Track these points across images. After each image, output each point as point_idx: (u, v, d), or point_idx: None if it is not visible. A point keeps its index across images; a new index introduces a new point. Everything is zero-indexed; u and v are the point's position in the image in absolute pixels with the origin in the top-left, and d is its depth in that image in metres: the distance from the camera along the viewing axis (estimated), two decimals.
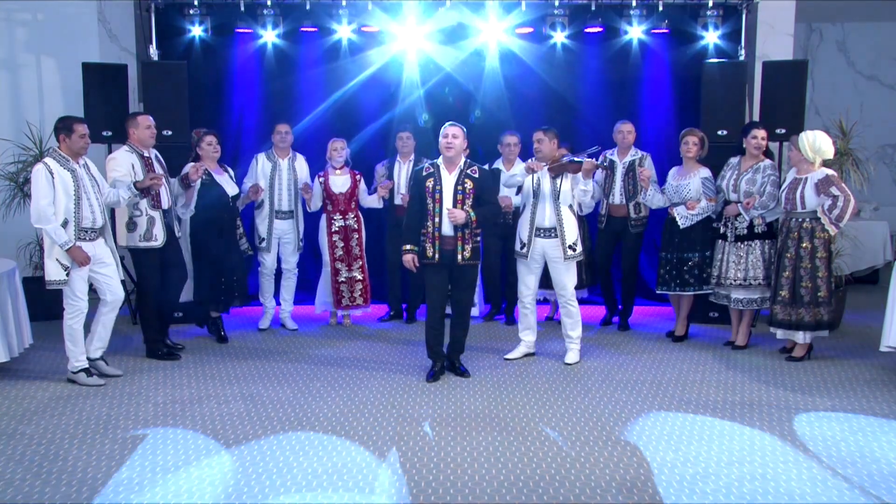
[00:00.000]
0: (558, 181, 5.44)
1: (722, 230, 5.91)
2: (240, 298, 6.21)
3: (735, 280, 5.82)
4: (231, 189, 6.07)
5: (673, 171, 6.16)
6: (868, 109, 8.87)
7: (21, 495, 3.62)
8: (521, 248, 5.59)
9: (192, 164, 5.85)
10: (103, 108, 6.53)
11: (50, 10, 7.33)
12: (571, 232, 5.47)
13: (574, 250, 5.47)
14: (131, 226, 5.50)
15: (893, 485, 3.71)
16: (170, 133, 6.32)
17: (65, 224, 4.96)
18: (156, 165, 5.66)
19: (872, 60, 9.32)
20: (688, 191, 5.95)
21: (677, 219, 5.97)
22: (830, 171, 5.46)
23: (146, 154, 5.60)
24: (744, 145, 5.95)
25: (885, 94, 9.32)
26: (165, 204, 5.62)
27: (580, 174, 5.41)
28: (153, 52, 6.84)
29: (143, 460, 3.98)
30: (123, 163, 5.46)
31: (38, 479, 3.78)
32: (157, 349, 5.76)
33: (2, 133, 7.13)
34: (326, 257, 6.58)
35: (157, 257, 5.60)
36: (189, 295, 6.09)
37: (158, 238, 5.55)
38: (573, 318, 5.60)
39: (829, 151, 5.45)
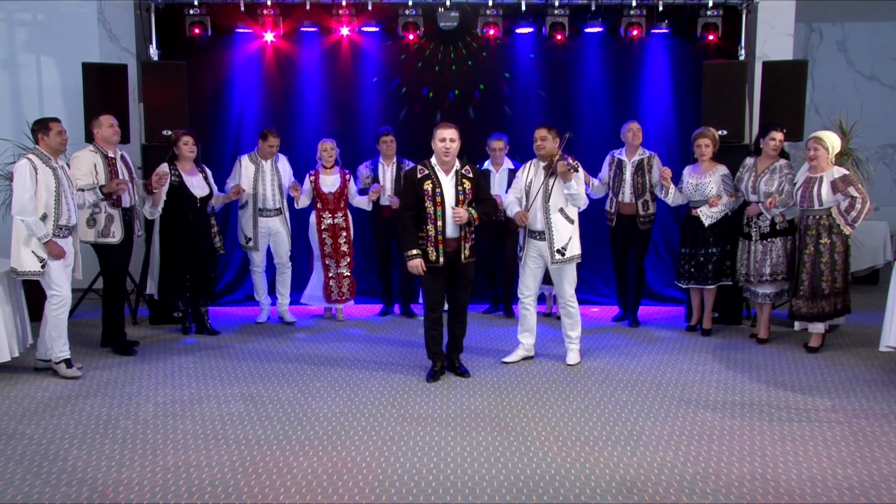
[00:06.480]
0: (550, 183, 5.39)
1: (746, 230, 6.08)
2: (206, 296, 6.38)
3: (764, 276, 6.01)
4: (200, 191, 6.20)
5: (688, 170, 6.27)
6: (868, 109, 8.86)
7: (21, 495, 3.62)
8: (520, 251, 5.65)
9: (158, 170, 5.95)
10: (103, 108, 6.51)
11: (50, 10, 7.34)
12: (561, 236, 5.41)
13: (563, 254, 5.42)
14: (91, 222, 5.70)
15: (893, 485, 3.71)
16: (169, 133, 6.32)
17: (43, 218, 5.09)
18: (120, 166, 5.81)
19: (872, 60, 9.31)
20: (709, 189, 6.10)
21: (702, 218, 6.13)
22: (847, 171, 5.65)
23: (111, 154, 5.76)
24: (760, 146, 6.08)
25: (885, 94, 9.31)
26: (126, 203, 5.81)
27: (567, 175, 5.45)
28: (153, 52, 6.84)
29: (143, 460, 3.99)
30: (86, 162, 5.63)
31: (38, 479, 3.78)
32: (115, 340, 5.87)
33: (2, 133, 7.14)
34: (317, 252, 6.74)
35: (116, 252, 5.79)
36: (154, 290, 6.35)
37: (116, 235, 5.76)
38: (572, 318, 5.60)
39: (839, 147, 5.75)
